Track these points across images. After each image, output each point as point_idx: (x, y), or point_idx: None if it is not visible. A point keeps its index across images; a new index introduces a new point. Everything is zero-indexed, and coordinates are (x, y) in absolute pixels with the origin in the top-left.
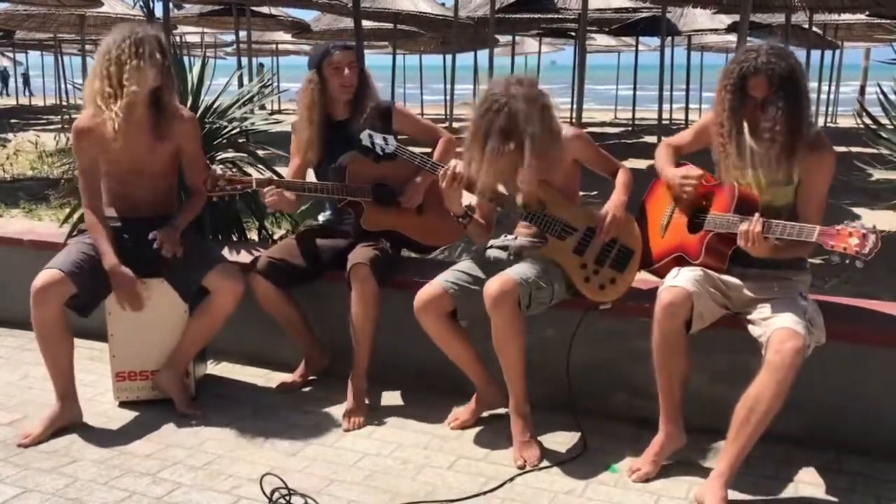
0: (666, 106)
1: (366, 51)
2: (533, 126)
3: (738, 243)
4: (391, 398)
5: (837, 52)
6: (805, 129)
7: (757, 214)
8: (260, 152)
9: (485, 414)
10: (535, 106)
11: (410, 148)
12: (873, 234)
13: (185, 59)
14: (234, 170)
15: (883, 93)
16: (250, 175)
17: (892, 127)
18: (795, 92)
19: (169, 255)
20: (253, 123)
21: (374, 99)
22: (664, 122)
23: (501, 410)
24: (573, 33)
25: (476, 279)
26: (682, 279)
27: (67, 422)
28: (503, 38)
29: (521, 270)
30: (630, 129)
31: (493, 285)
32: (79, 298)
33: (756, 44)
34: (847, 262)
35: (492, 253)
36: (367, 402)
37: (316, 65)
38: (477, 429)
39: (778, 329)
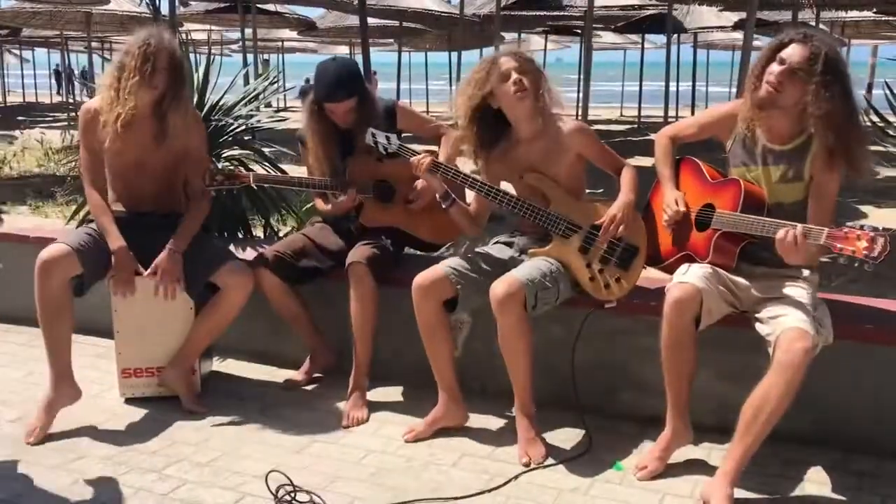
0: (672, 103)
1: (371, 48)
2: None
3: (778, 251)
4: (396, 395)
5: (844, 49)
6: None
7: (797, 227)
8: (265, 150)
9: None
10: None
11: (414, 146)
12: (882, 237)
13: (191, 56)
14: (239, 168)
15: (890, 90)
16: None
17: None
18: (843, 78)
19: (166, 290)
20: (259, 121)
21: (376, 108)
22: (670, 119)
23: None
24: (579, 31)
25: (479, 268)
26: (691, 275)
27: (67, 402)
28: (509, 36)
29: (527, 271)
30: (636, 126)
31: (499, 287)
32: (80, 278)
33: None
34: (856, 265)
35: (496, 248)
36: (367, 399)
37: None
38: (482, 426)
39: (787, 328)
